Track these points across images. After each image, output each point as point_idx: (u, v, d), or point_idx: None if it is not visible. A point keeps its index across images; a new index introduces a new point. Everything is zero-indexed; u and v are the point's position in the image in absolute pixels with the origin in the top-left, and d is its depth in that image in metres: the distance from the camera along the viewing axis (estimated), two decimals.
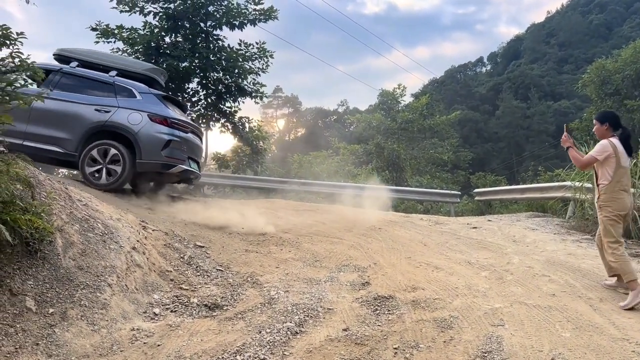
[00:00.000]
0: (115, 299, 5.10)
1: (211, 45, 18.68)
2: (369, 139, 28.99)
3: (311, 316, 5.02)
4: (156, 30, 17.56)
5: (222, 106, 19.53)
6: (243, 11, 18.47)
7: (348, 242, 8.43)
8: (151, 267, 6.45)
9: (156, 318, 5.11)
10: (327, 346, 4.40)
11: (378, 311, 5.11)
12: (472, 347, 4.38)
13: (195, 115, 19.32)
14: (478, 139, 68.12)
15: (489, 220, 11.73)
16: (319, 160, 28.79)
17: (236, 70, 18.90)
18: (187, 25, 18.20)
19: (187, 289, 6.24)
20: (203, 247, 7.91)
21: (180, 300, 5.61)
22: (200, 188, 16.42)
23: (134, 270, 5.97)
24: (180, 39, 18.26)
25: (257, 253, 7.90)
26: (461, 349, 4.33)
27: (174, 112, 10.65)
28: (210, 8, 18.12)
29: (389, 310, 5.11)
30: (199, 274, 6.88)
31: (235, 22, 18.22)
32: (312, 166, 26.57)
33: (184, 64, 18.09)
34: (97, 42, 16.61)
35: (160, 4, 17.41)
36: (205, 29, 18.42)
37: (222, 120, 19.61)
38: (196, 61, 18.40)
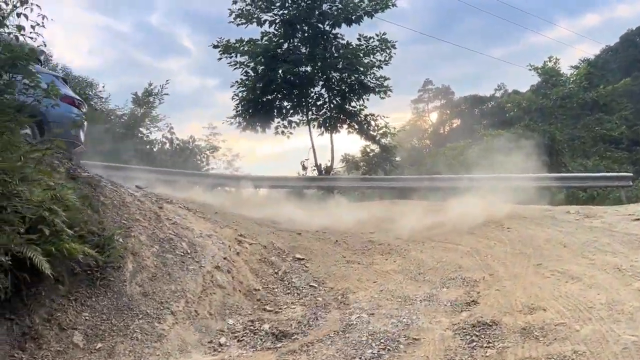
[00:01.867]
0: (177, 329, 4.67)
1: (329, 46, 18.24)
2: (519, 122, 25.89)
3: (388, 349, 4.02)
4: (274, 38, 17.66)
5: (347, 107, 18.94)
6: (359, 4, 17.68)
7: (464, 247, 7.09)
8: (237, 286, 5.99)
9: (218, 350, 4.56)
10: None
11: (474, 343, 3.90)
12: None
13: (321, 120, 19.05)
14: None
15: None
16: (456, 152, 26.58)
17: (358, 67, 18.17)
18: (306, 29, 18.01)
19: (271, 311, 5.64)
20: (302, 259, 7.29)
21: (252, 327, 5.01)
22: (331, 193, 15.97)
23: (212, 292, 5.55)
24: (298, 44, 18.13)
25: (359, 264, 7.02)
26: None
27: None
28: (325, 6, 17.67)
29: (488, 342, 3.87)
30: (289, 291, 6.25)
31: (352, 16, 17.51)
32: (454, 158, 24.59)
33: (304, 69, 17.92)
34: (220, 59, 17.31)
35: (275, 12, 17.46)
36: (323, 29, 18.04)
37: (349, 121, 19.01)
38: (319, 64, 18.11)
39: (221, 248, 6.63)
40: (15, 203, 4.23)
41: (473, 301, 4.94)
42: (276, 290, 6.27)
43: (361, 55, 18.42)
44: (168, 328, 4.62)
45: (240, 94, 17.86)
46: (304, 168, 17.44)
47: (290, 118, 18.87)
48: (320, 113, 19.42)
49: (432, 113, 67.45)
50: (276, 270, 6.81)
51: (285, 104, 18.84)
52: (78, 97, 9.20)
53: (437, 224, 8.84)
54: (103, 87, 21.40)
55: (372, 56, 18.38)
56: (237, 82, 17.85)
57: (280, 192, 15.50)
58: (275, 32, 17.70)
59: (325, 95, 19.20)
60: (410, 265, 6.67)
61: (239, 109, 18.05)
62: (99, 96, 20.68)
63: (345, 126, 19.55)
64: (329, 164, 17.87)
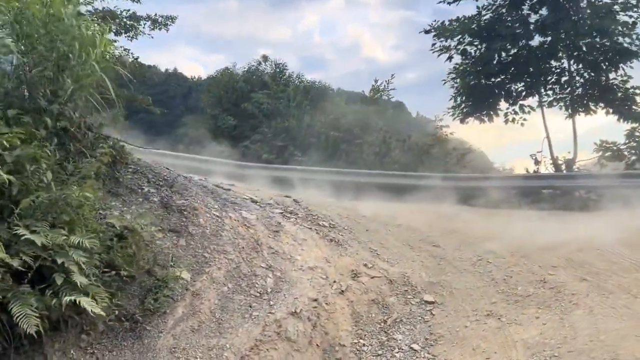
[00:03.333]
0: None
1: (573, 6, 14.53)
2: None
3: None
4: (497, 9, 14.95)
5: (603, 80, 14.79)
6: None
7: None
8: (316, 339, 4.90)
9: None
10: None
11: None
12: None
13: (567, 100, 15.41)
14: None
15: None
16: None
17: (614, 28, 14.02)
18: None
19: None
20: (432, 303, 5.61)
21: None
22: (575, 194, 12.40)
23: (269, 348, 4.58)
24: (528, 12, 14.95)
25: (500, 320, 4.94)
26: None
27: None
28: None
29: None
30: (381, 351, 4.77)
31: None
32: None
33: (542, 39, 14.79)
34: (435, 44, 15.56)
35: None
36: None
37: (605, 99, 14.79)
38: (561, 31, 14.68)
39: (319, 285, 5.55)
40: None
41: None
42: (367, 348, 4.88)
43: (618, 10, 14.20)
44: None
45: (459, 81, 15.83)
46: (537, 162, 14.24)
47: (521, 102, 15.87)
48: (565, 92, 15.76)
49: None
50: (386, 318, 5.35)
51: (516, 85, 15.93)
52: None
53: None
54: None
55: (633, 11, 13.95)
56: (454, 66, 15.88)
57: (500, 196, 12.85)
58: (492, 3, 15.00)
59: (573, 68, 15.45)
60: (573, 334, 4.27)
61: (457, 99, 16.04)
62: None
63: (601, 105, 15.36)
64: (569, 156, 14.17)
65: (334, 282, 5.70)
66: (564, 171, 14.07)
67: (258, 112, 18.27)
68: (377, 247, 7.04)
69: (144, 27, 21.86)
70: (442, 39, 15.46)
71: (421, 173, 13.37)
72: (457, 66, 15.63)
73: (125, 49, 22.93)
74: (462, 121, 16.08)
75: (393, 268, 6.36)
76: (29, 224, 4.19)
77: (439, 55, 15.43)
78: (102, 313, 3.95)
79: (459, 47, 15.15)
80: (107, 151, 4.88)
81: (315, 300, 5.29)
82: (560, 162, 14.33)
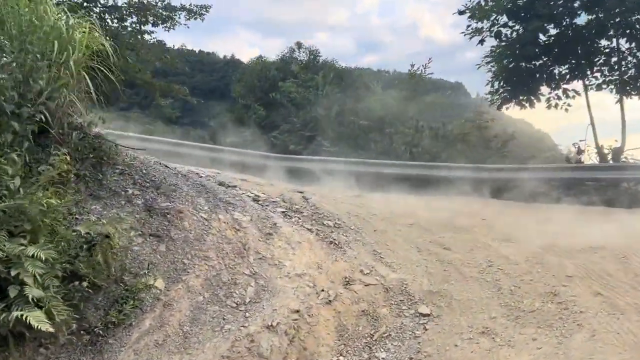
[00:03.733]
0: None
1: None
2: None
3: None
4: None
5: None
6: None
7: None
8: (292, 355, 4.58)
9: None
10: None
11: None
12: None
13: (618, 82, 14.18)
14: None
15: None
16: None
17: None
18: None
19: None
20: (427, 315, 5.14)
21: None
22: (621, 186, 11.30)
23: None
24: None
25: (494, 340, 4.43)
26: None
27: None
28: None
29: None
30: None
31: None
32: None
33: (588, 17, 13.61)
34: (469, 26, 14.57)
35: None
36: None
37: None
38: (610, 10, 13.46)
39: (304, 294, 5.20)
40: None
41: None
42: None
43: None
44: None
45: (495, 65, 14.85)
46: (580, 152, 13.09)
47: (565, 85, 14.74)
48: (616, 73, 14.51)
49: None
50: (373, 332, 4.94)
51: (560, 68, 14.79)
52: None
53: None
54: None
55: None
56: (490, 49, 14.89)
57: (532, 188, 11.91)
58: None
59: (624, 47, 14.18)
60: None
61: (494, 83, 15.06)
62: None
63: None
64: (616, 145, 12.97)
65: (322, 290, 5.33)
66: (610, 161, 12.95)
67: (287, 101, 17.96)
68: (382, 249, 6.61)
69: (179, 18, 21.98)
70: (476, 20, 14.52)
71: (449, 163, 12.64)
72: (493, 48, 14.63)
73: (158, 40, 23.19)
74: (499, 107, 15.12)
75: (393, 274, 5.91)
76: None
77: (470, 38, 14.49)
78: (51, 329, 3.76)
79: (492, 28, 14.16)
80: (62, 158, 4.65)
81: (297, 311, 4.94)
82: (606, 151, 13.18)
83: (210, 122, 23.15)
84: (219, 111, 24.73)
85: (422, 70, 19.20)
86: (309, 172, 12.31)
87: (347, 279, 5.63)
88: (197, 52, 62.39)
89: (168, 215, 5.67)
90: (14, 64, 4.83)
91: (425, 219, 7.96)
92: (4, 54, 4.85)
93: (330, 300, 5.23)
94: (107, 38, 6.21)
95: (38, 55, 4.95)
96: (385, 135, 16.02)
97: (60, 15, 5.68)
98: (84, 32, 5.69)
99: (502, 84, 15.00)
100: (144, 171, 6.25)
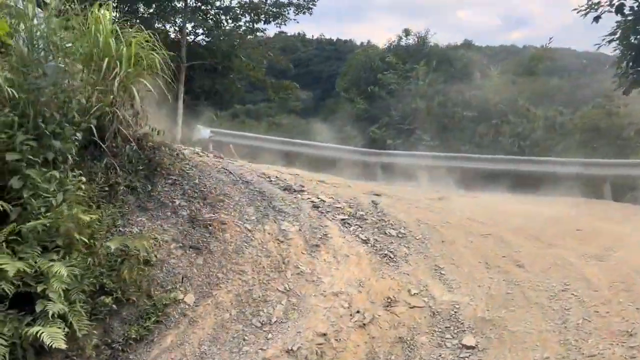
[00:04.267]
0: None
1: None
2: None
3: None
4: None
5: None
6: None
7: None
8: None
9: None
10: None
11: None
12: None
13: None
14: None
15: None
16: None
17: None
18: None
19: None
20: (472, 348, 4.50)
21: None
22: None
23: None
24: None
25: None
26: None
27: None
28: None
29: None
30: None
31: None
32: None
33: None
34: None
35: None
36: None
37: None
38: None
39: (336, 315, 4.85)
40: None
41: None
42: None
43: None
44: None
45: (621, 44, 12.74)
46: None
47: None
48: None
49: None
50: None
51: None
52: None
53: None
54: None
55: None
56: (617, 23, 12.76)
57: None
58: None
59: None
60: None
61: (622, 65, 12.91)
62: None
63: None
64: None
65: (357, 312, 4.92)
66: None
67: (386, 93, 17.33)
68: (445, 264, 5.95)
69: (288, 13, 22.64)
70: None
71: (557, 158, 11.15)
72: (619, 23, 12.51)
73: (268, 38, 23.95)
74: (626, 92, 12.98)
75: (447, 295, 5.27)
76: (20, 250, 4.36)
77: (584, 16, 12.55)
78: (63, 346, 3.91)
79: (613, 2, 12.07)
80: (78, 178, 4.79)
81: (324, 335, 4.61)
82: None
83: (318, 118, 23.34)
84: (328, 104, 24.89)
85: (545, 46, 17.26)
86: (400, 169, 11.73)
87: (389, 300, 5.14)
88: (334, 40, 63.65)
89: (209, 227, 5.67)
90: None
91: (507, 228, 7.03)
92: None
93: (364, 324, 4.81)
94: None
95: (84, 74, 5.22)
96: (492, 126, 14.67)
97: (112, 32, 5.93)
98: (141, 47, 5.90)
99: (630, 64, 12.82)
100: (196, 181, 6.33)
